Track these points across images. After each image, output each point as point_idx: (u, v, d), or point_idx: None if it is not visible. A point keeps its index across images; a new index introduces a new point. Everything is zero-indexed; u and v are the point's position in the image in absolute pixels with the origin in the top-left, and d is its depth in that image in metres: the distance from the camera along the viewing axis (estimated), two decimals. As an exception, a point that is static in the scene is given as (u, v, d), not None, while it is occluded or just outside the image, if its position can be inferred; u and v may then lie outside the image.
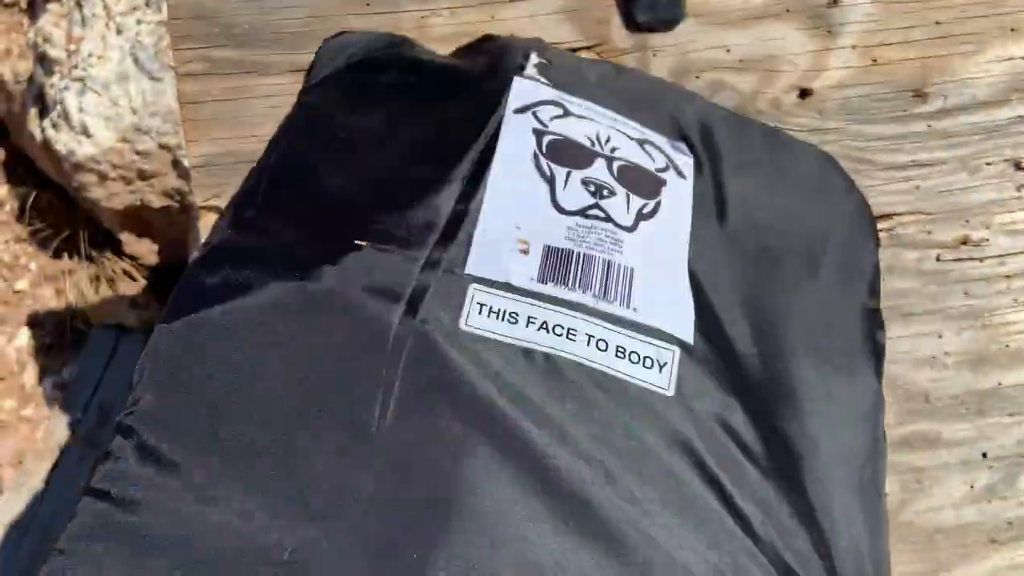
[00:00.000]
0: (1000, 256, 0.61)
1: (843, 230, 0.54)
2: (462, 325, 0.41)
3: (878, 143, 0.62)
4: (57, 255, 1.38)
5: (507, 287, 0.42)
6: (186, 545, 0.35)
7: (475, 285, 0.42)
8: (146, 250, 1.32)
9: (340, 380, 0.39)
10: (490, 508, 0.36)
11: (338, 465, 0.37)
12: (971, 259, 0.60)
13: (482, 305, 0.41)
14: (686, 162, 0.52)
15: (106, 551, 0.35)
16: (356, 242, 0.42)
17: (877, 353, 0.51)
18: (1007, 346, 0.59)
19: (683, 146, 0.53)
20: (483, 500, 0.37)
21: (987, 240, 0.61)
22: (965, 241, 0.61)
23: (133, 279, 1.36)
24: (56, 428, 1.22)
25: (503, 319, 0.41)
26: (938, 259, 0.60)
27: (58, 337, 1.34)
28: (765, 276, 0.49)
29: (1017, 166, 0.62)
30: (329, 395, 0.39)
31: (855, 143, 0.61)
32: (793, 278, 0.50)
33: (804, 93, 0.62)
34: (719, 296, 0.47)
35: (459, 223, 0.44)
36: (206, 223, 0.59)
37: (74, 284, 1.36)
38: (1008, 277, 0.60)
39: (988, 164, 0.62)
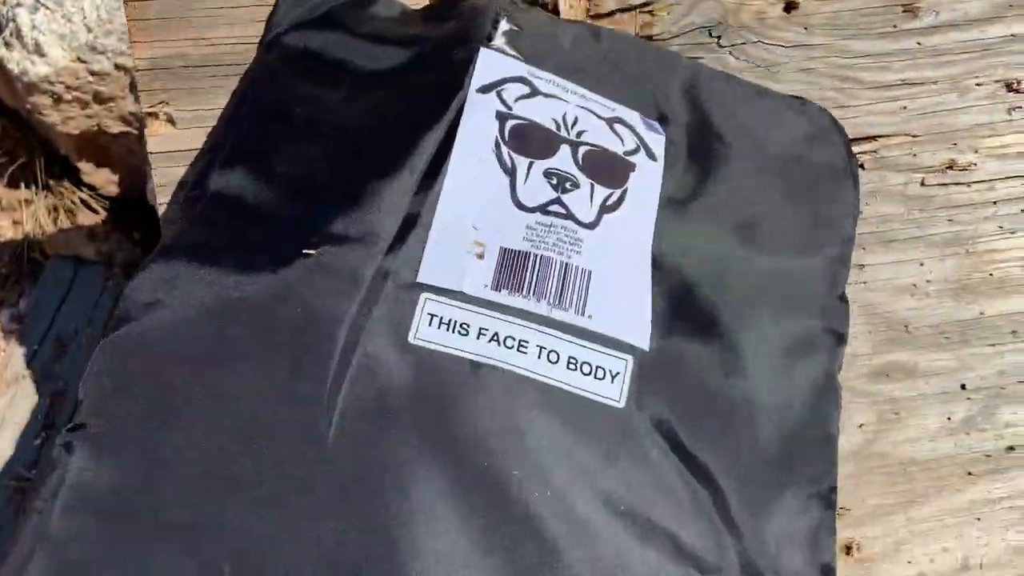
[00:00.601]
0: (987, 181, 0.58)
1: (824, 195, 0.52)
2: (411, 338, 0.39)
3: (865, 60, 0.59)
4: (13, 184, 1.33)
5: (460, 296, 0.41)
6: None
7: (426, 294, 0.41)
8: (105, 180, 1.27)
9: (285, 397, 0.37)
10: (438, 537, 0.36)
11: (283, 487, 0.36)
12: (957, 184, 0.58)
13: (432, 316, 0.40)
14: (658, 141, 0.49)
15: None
16: (305, 251, 0.40)
17: (838, 339, 0.49)
18: (991, 275, 0.57)
19: (656, 124, 0.50)
20: (431, 527, 0.36)
21: (974, 164, 0.58)
22: (951, 165, 0.58)
23: (92, 210, 1.31)
24: (12, 360, 1.19)
25: (454, 331, 0.40)
26: (923, 183, 0.58)
27: (15, 268, 1.30)
28: (735, 250, 0.47)
29: (1009, 87, 0.59)
30: (274, 413, 0.37)
31: (841, 60, 0.58)
32: (765, 250, 0.48)
33: (790, 6, 0.59)
34: (683, 279, 0.45)
35: (413, 223, 0.42)
36: (153, 131, 0.55)
37: (31, 215, 1.31)
38: (995, 203, 0.58)
39: (979, 84, 0.59)
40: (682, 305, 0.44)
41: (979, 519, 0.53)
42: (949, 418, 0.55)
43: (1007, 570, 0.52)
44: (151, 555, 0.34)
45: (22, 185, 1.33)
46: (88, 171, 1.27)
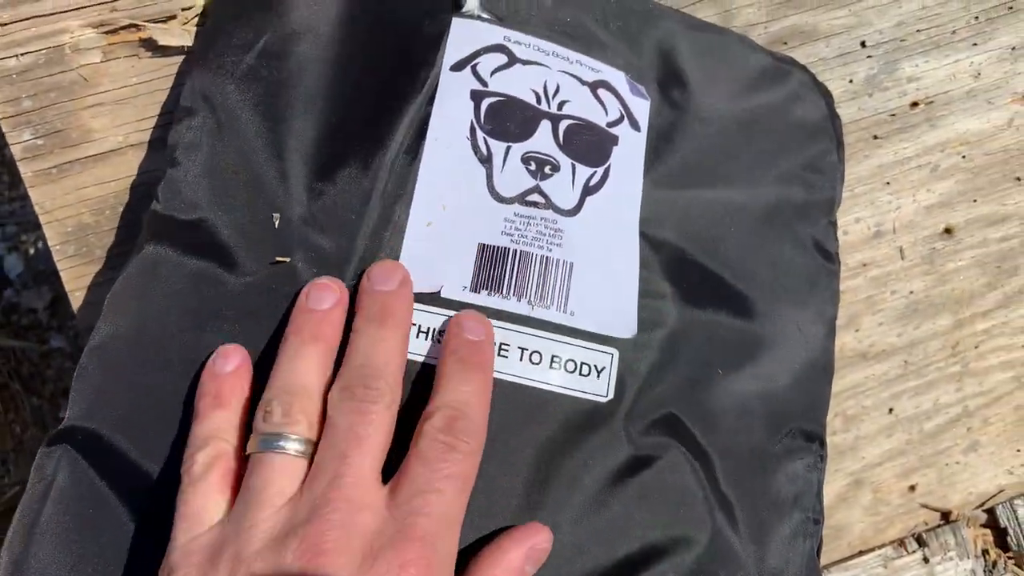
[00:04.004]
0: None
1: (807, 166, 0.47)
2: None
3: None
4: None
5: (437, 300, 0.39)
6: None
7: None
8: None
9: None
10: None
11: None
12: None
13: (411, 325, 0.38)
14: (642, 107, 0.45)
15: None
16: (278, 258, 0.38)
17: (828, 302, 0.46)
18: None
19: (641, 88, 0.45)
20: None
21: None
22: None
23: None
24: None
25: (432, 339, 0.38)
26: None
27: None
28: (716, 221, 0.44)
29: None
30: None
31: None
32: (747, 221, 0.45)
33: None
34: (678, 250, 0.43)
35: (386, 227, 0.39)
36: None
37: None
38: None
39: None
40: (682, 277, 0.43)
41: (888, 183, 0.52)
42: (851, 80, 0.52)
43: (919, 230, 0.52)
44: None
45: None
46: None
